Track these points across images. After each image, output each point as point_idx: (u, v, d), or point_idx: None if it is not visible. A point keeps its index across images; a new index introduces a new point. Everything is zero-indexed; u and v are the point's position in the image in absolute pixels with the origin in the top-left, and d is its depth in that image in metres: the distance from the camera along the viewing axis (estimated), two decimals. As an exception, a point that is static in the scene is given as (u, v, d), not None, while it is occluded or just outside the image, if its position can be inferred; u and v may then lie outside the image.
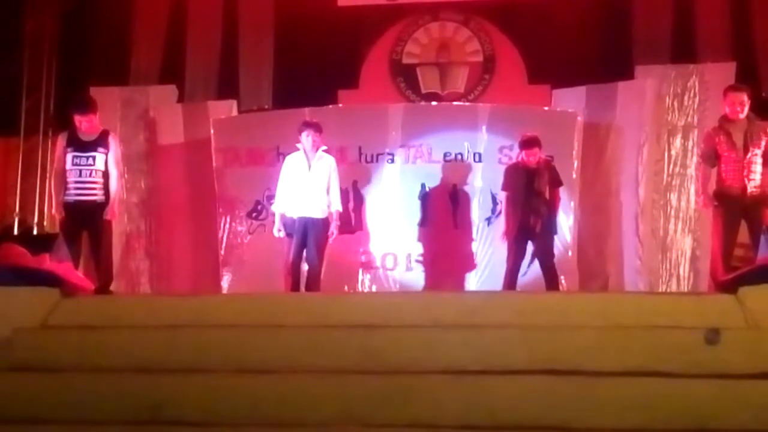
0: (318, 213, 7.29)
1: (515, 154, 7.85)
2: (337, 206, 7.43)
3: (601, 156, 8.63)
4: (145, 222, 9.26)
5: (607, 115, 8.64)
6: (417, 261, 8.30)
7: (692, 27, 9.22)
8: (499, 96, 9.45)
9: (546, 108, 8.85)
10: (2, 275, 5.56)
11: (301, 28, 9.63)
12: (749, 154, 6.80)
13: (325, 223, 7.33)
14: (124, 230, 9.01)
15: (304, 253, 7.28)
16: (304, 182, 7.30)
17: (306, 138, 7.34)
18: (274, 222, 8.28)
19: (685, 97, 8.71)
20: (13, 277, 5.54)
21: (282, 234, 7.39)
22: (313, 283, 7.24)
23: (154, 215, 9.22)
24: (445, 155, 8.38)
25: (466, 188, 8.29)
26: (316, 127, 7.36)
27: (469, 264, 8.21)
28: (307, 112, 8.28)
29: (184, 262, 9.00)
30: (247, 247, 8.46)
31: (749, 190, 6.78)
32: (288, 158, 7.50)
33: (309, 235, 7.25)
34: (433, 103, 9.56)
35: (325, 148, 7.42)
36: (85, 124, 7.09)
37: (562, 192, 7.76)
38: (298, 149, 7.38)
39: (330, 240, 7.42)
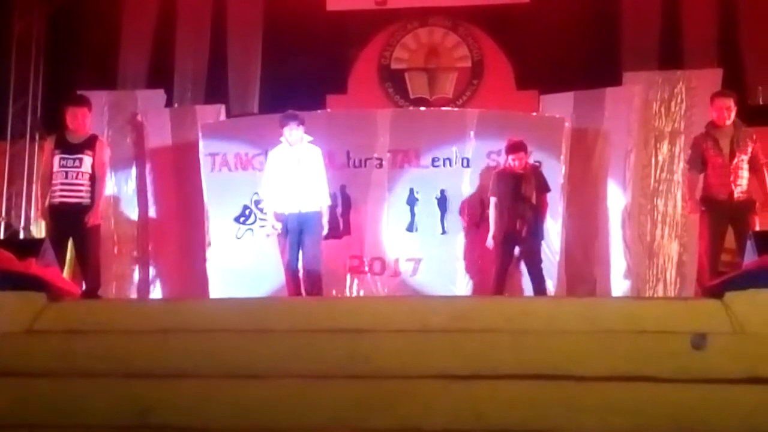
0: (311, 206, 7.22)
1: (503, 160, 7.87)
2: (326, 200, 7.39)
3: (588, 161, 8.65)
4: (132, 226, 9.23)
5: (594, 120, 8.66)
6: (405, 266, 8.29)
7: (679, 34, 9.28)
8: (488, 101, 9.48)
9: (534, 113, 8.87)
10: (-12, 279, 5.53)
11: (290, 33, 9.62)
12: (736, 160, 6.86)
13: (318, 216, 7.27)
14: (111, 234, 8.98)
15: (300, 254, 7.21)
16: (294, 176, 7.19)
17: (289, 132, 7.26)
18: (262, 227, 8.32)
19: (672, 103, 8.74)
20: (-1, 281, 5.51)
21: (278, 228, 7.31)
22: (315, 285, 7.15)
23: (142, 219, 9.19)
24: (433, 160, 8.37)
25: (455, 193, 8.28)
26: (299, 120, 7.28)
27: (457, 269, 8.21)
28: (295, 117, 8.29)
29: (172, 267, 8.97)
30: (235, 251, 8.43)
31: (736, 195, 6.84)
32: (272, 153, 7.45)
33: (304, 231, 7.18)
34: (422, 108, 9.57)
35: (310, 139, 7.38)
36: (79, 118, 7.13)
37: (550, 197, 7.77)
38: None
39: (322, 235, 7.36)
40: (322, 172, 7.37)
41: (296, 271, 7.24)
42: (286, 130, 7.28)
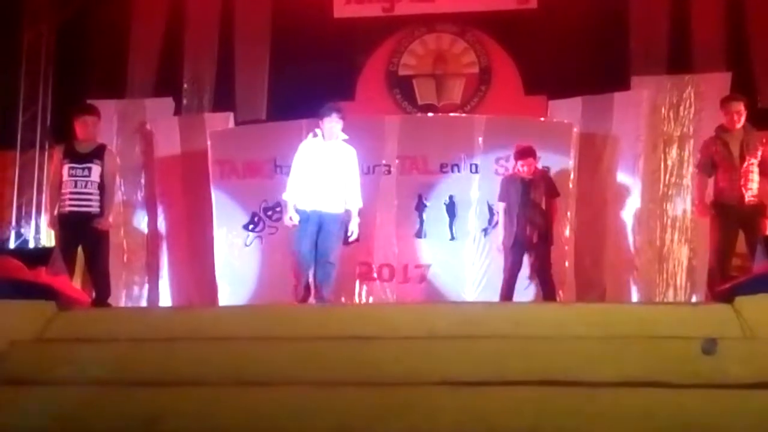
0: (335, 208, 6.79)
1: (511, 165, 7.86)
2: (358, 203, 6.96)
3: (597, 166, 8.63)
4: (141, 234, 9.26)
5: (603, 125, 8.64)
6: (414, 272, 8.28)
7: (688, 38, 9.24)
8: (496, 107, 9.47)
9: (542, 119, 8.86)
10: (-1, 289, 5.55)
11: (298, 40, 9.63)
12: (746, 164, 6.85)
13: (341, 219, 6.83)
14: (120, 243, 9.01)
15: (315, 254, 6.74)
16: (323, 174, 6.77)
17: (329, 124, 6.78)
18: (271, 233, 8.34)
19: (681, 108, 8.73)
20: (10, 290, 5.52)
21: (295, 221, 6.82)
22: (325, 292, 6.75)
23: (151, 228, 9.22)
24: (441, 166, 8.35)
25: (463, 199, 8.27)
26: (341, 113, 6.83)
27: (465, 275, 8.19)
28: (304, 124, 8.26)
29: (181, 275, 8.99)
30: (243, 259, 8.44)
31: (746, 199, 6.82)
32: (304, 146, 6.97)
33: (322, 230, 6.73)
34: (430, 114, 9.57)
35: (346, 137, 6.95)
36: (90, 127, 7.16)
37: (559, 202, 7.76)
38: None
39: (350, 240, 6.99)
40: (356, 173, 7.00)
41: (308, 263, 6.78)
42: (326, 122, 6.80)
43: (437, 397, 4.41)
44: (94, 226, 7.01)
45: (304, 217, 6.79)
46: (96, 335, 5.33)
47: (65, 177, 7.06)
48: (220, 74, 9.90)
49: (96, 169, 7.06)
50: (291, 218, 6.85)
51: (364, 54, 10.12)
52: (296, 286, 6.91)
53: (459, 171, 8.32)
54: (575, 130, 8.40)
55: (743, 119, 6.96)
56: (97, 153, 7.16)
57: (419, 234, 8.31)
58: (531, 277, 7.58)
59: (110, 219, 7.26)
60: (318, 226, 6.76)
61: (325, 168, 6.83)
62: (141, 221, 9.29)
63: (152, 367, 4.82)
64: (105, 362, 4.90)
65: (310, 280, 6.91)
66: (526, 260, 7.55)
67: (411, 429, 4.27)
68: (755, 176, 6.88)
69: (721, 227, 6.94)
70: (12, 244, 9.40)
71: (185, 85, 9.85)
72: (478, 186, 8.27)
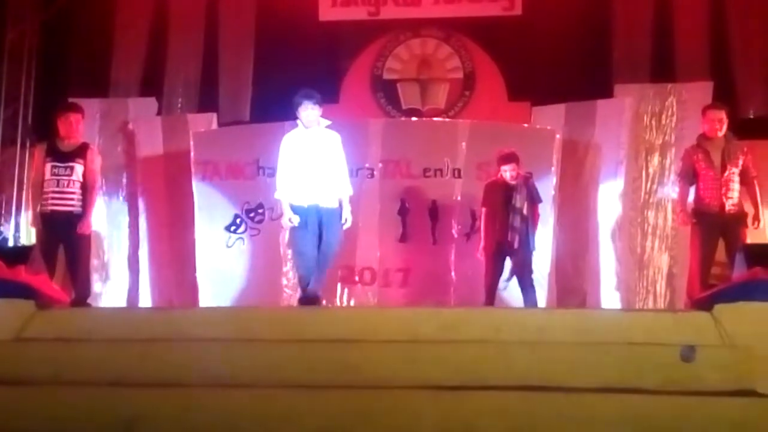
0: (331, 201, 6.54)
1: (494, 171, 7.87)
2: (348, 190, 6.71)
3: (579, 173, 8.67)
4: (122, 234, 9.22)
5: (586, 132, 8.69)
6: (395, 276, 8.28)
7: (671, 46, 9.33)
8: (479, 112, 9.51)
9: (525, 125, 8.89)
10: (-23, 287, 5.50)
11: (282, 42, 9.64)
12: (727, 173, 6.89)
13: (339, 214, 6.58)
14: (101, 242, 8.97)
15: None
16: (311, 164, 6.51)
17: (305, 113, 6.52)
18: (253, 235, 8.32)
19: (663, 116, 8.79)
20: (-12, 288, 5.48)
21: (295, 222, 6.51)
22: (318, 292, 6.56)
23: (132, 227, 9.18)
24: (424, 171, 8.36)
25: (446, 204, 8.28)
26: (316, 99, 6.53)
27: (447, 279, 8.21)
28: (287, 126, 8.24)
29: (162, 275, 8.95)
30: (225, 260, 8.41)
31: (727, 208, 6.87)
32: (286, 138, 6.72)
33: (324, 226, 6.47)
34: (414, 119, 9.59)
35: (328, 123, 6.70)
36: (73, 125, 7.12)
37: (541, 208, 7.78)
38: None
39: (344, 228, 6.71)
40: (342, 159, 6.72)
41: (312, 264, 6.51)
42: (302, 111, 6.53)
43: (418, 401, 4.41)
44: (77, 225, 6.96)
45: (303, 213, 6.50)
46: (75, 335, 5.29)
47: (47, 176, 7.01)
48: (204, 75, 9.88)
49: (78, 169, 7.02)
50: (290, 219, 6.52)
51: (348, 57, 10.13)
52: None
53: (442, 176, 8.33)
54: (558, 136, 8.44)
55: (725, 128, 7.01)
56: (80, 152, 7.11)
57: (401, 238, 8.30)
58: (509, 279, 7.60)
59: (90, 220, 7.20)
60: (318, 222, 6.50)
61: (313, 158, 6.56)
62: (122, 221, 9.24)
63: (132, 368, 4.79)
64: (84, 362, 4.87)
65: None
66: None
67: (391, 433, 4.27)
68: (736, 185, 6.93)
69: (701, 235, 6.99)
70: (-9, 243, 9.35)
71: (168, 85, 9.82)
72: (460, 191, 8.28)
